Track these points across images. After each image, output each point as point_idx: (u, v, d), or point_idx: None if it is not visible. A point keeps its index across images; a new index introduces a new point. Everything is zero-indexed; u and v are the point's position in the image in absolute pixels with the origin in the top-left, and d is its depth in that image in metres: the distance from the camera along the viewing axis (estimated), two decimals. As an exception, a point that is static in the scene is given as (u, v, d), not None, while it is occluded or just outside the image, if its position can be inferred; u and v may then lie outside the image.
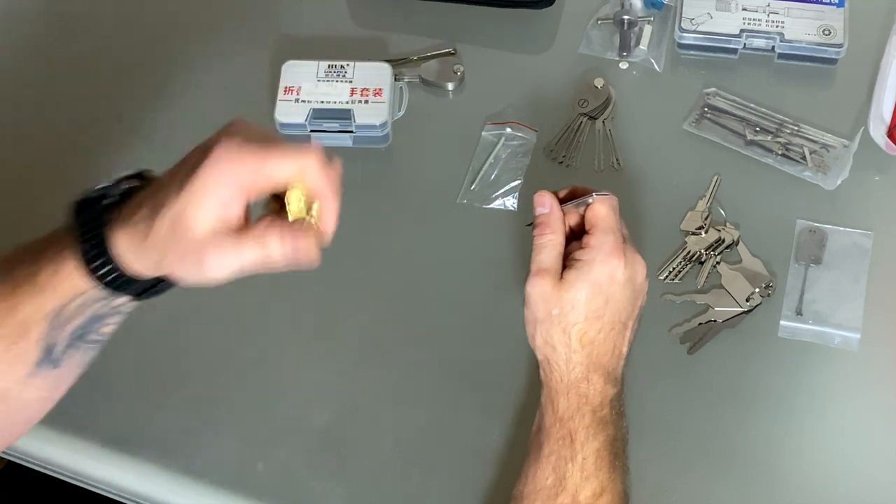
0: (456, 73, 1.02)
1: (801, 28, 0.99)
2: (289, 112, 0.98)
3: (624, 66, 1.03)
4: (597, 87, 1.01)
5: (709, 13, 1.01)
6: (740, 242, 0.92)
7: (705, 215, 0.93)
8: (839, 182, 0.94)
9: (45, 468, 0.88)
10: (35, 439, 0.87)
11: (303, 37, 1.07)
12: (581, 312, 0.76)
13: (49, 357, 0.65)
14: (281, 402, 0.89)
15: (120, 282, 0.63)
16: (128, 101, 1.05)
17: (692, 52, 1.02)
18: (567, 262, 0.78)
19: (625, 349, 0.78)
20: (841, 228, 0.92)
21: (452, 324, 0.91)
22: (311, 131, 0.98)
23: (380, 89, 0.98)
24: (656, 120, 1.00)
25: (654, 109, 1.00)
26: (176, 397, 0.89)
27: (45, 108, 1.06)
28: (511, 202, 0.96)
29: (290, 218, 0.65)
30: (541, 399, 0.77)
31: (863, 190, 0.94)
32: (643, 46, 1.02)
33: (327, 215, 0.66)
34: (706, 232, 0.92)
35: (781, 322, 0.88)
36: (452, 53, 1.04)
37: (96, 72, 1.07)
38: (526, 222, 0.82)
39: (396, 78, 1.01)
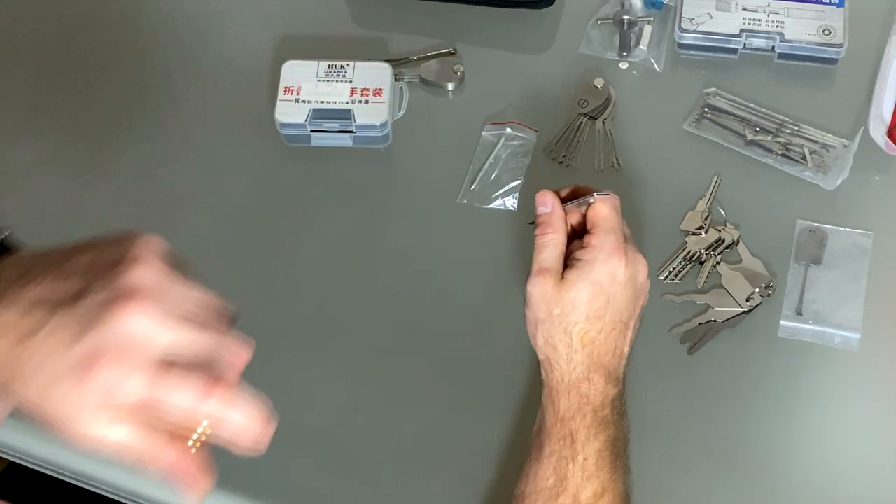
0: (456, 73, 1.02)
1: (801, 28, 0.99)
2: (289, 112, 0.98)
3: (624, 66, 1.03)
4: (597, 87, 1.01)
5: (709, 13, 1.01)
6: (740, 242, 0.92)
7: (705, 215, 0.93)
8: (839, 182, 0.94)
9: (45, 468, 0.88)
10: (35, 440, 0.87)
11: (303, 37, 1.07)
12: (582, 312, 0.76)
13: None
14: (281, 402, 0.89)
15: None
16: (128, 101, 1.05)
17: (692, 52, 1.02)
18: (568, 261, 0.78)
19: (626, 349, 0.78)
20: (841, 228, 0.92)
21: (452, 324, 0.91)
22: (311, 131, 0.98)
23: (380, 89, 0.98)
24: (656, 120, 1.00)
25: (654, 109, 1.00)
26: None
27: (45, 108, 1.06)
28: (511, 202, 0.96)
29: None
30: (542, 399, 0.77)
31: (863, 190, 0.94)
32: (643, 46, 1.02)
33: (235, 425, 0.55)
34: (706, 232, 0.92)
35: (781, 322, 0.88)
36: (452, 53, 1.04)
37: (96, 72, 1.07)
38: (528, 221, 0.82)
39: (396, 78, 1.01)
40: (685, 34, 1.01)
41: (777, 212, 0.94)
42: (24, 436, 0.88)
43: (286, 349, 0.91)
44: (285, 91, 0.98)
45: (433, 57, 1.04)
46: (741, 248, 0.92)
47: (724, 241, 0.92)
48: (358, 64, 1.00)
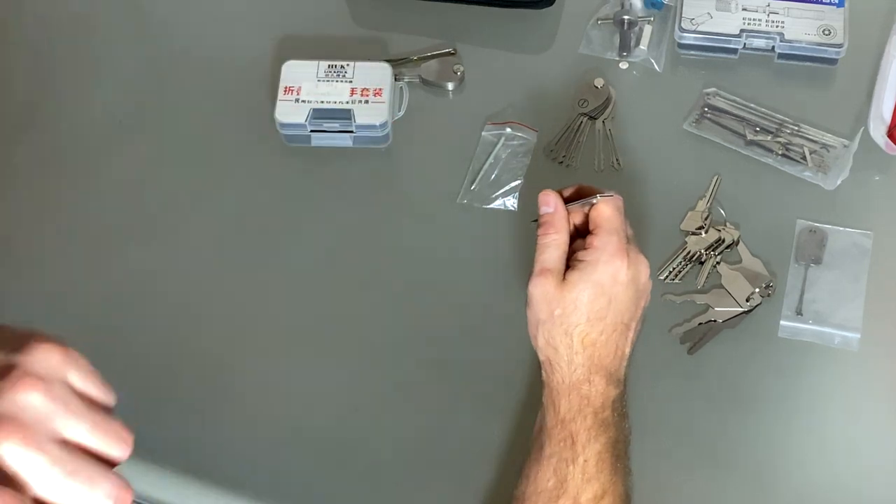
0: (456, 73, 1.02)
1: (801, 28, 0.99)
2: (289, 112, 0.98)
3: (624, 66, 1.03)
4: (597, 87, 1.01)
5: (709, 13, 1.01)
6: (740, 242, 0.92)
7: (705, 215, 0.93)
8: (839, 182, 0.94)
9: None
10: None
11: (303, 37, 1.07)
12: (583, 314, 0.76)
13: None
14: (281, 402, 0.89)
15: None
16: (128, 101, 1.05)
17: (692, 52, 1.02)
18: (570, 262, 0.78)
19: (627, 350, 0.78)
20: (841, 228, 0.92)
21: (452, 324, 0.91)
22: (312, 131, 0.98)
23: (380, 89, 0.98)
24: (656, 120, 1.00)
25: (654, 109, 1.00)
26: (175, 397, 0.89)
27: (44, 109, 1.06)
28: (511, 202, 0.96)
29: None
30: (542, 400, 0.77)
31: (863, 190, 0.94)
32: (643, 46, 1.02)
33: None
34: (706, 232, 0.92)
35: (781, 322, 0.88)
36: (452, 53, 1.04)
37: (96, 72, 1.07)
38: (531, 219, 0.82)
39: (396, 78, 1.01)
40: (685, 34, 1.01)
41: (777, 212, 0.94)
42: None
43: (286, 349, 0.91)
44: (285, 91, 0.98)
45: (433, 57, 1.04)
46: (741, 248, 0.92)
47: (724, 241, 0.92)
48: (358, 64, 1.00)
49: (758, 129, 0.98)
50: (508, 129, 0.99)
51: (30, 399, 0.51)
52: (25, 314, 0.92)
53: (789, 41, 0.99)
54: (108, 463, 0.54)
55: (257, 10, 1.10)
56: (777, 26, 1.00)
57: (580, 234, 0.80)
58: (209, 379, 0.90)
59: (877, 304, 0.89)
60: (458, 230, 0.96)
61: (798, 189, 0.95)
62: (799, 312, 0.89)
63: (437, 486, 0.85)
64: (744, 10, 1.01)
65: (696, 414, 0.86)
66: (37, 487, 0.50)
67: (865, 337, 0.88)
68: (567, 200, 0.81)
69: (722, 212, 0.94)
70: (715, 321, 0.89)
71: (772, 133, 0.97)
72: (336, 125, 0.98)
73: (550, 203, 0.80)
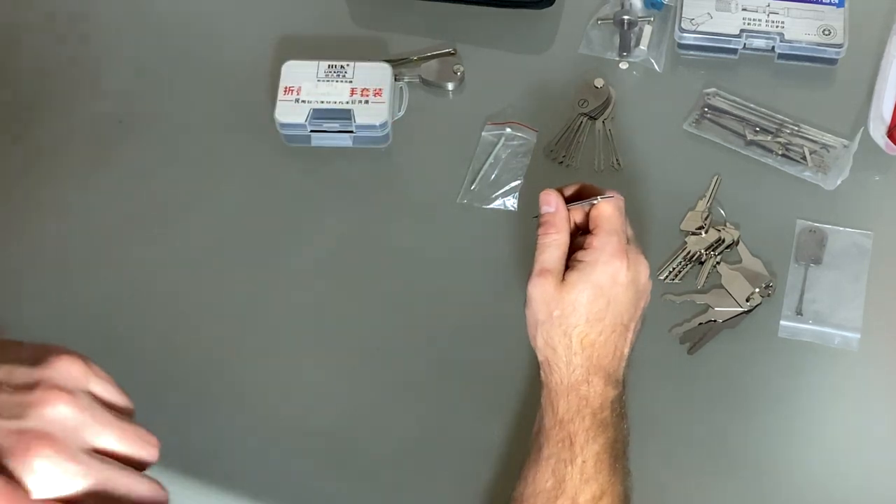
0: (456, 73, 1.02)
1: (801, 28, 0.99)
2: (289, 112, 0.98)
3: (624, 66, 1.03)
4: (597, 87, 1.01)
5: (709, 13, 1.01)
6: (740, 242, 0.92)
7: (705, 215, 0.93)
8: (839, 182, 0.94)
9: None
10: None
11: (303, 37, 1.07)
12: (582, 314, 0.76)
13: None
14: (281, 402, 0.89)
15: None
16: (128, 101, 1.05)
17: (692, 52, 1.02)
18: (570, 262, 0.78)
19: (626, 350, 0.78)
20: (841, 228, 0.92)
21: (452, 324, 0.91)
22: (312, 131, 0.98)
23: (380, 89, 0.98)
24: (656, 120, 1.00)
25: (654, 109, 1.00)
26: (175, 398, 0.89)
27: (44, 110, 1.06)
28: (511, 202, 0.96)
29: None
30: (541, 400, 0.77)
31: (863, 190, 0.94)
32: (643, 46, 1.02)
33: None
34: (706, 232, 0.92)
35: (781, 322, 0.88)
36: (452, 53, 1.04)
37: (96, 72, 1.07)
38: (532, 215, 0.81)
39: (396, 78, 1.01)
40: (685, 34, 1.01)
41: (777, 212, 0.94)
42: None
43: (287, 349, 0.91)
44: (285, 91, 0.98)
45: (433, 57, 1.04)
46: (741, 248, 0.92)
47: (724, 241, 0.92)
48: (358, 64, 1.00)
49: (758, 129, 0.98)
50: (508, 129, 0.99)
51: (58, 412, 0.51)
52: (25, 314, 0.93)
53: (789, 41, 0.99)
54: (138, 467, 0.55)
55: (257, 11, 1.10)
56: (777, 26, 1.00)
57: (581, 231, 0.80)
58: (209, 379, 0.90)
59: (877, 304, 0.89)
60: (458, 230, 0.96)
61: (798, 189, 0.95)
62: (799, 312, 0.89)
63: (437, 486, 0.85)
64: (744, 10, 1.01)
65: (695, 414, 0.86)
66: (77, 499, 0.51)
67: (865, 337, 0.88)
68: (568, 200, 0.80)
69: (722, 212, 0.94)
70: (715, 321, 0.89)
71: (772, 133, 0.97)
72: (336, 125, 0.98)
73: (552, 202, 0.80)
